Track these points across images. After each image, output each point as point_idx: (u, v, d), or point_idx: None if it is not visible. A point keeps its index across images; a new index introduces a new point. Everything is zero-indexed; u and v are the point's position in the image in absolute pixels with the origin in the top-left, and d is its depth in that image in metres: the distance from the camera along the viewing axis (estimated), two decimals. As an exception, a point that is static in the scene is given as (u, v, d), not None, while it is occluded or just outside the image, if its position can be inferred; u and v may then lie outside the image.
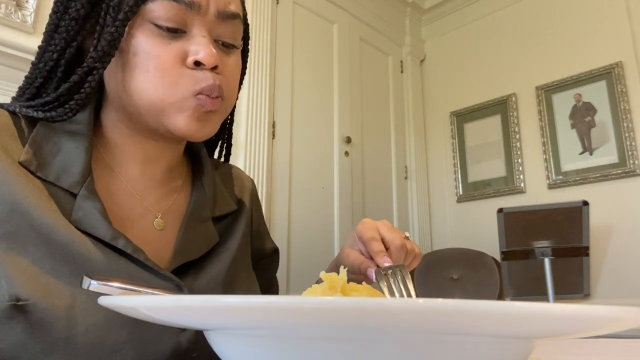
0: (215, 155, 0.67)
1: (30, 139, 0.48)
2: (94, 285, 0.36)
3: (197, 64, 0.48)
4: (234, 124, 0.66)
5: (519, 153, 2.84)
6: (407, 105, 3.26)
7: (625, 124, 2.47)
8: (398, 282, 0.49)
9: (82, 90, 0.48)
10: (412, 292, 0.48)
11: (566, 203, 1.99)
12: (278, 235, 2.23)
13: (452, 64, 3.27)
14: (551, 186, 2.69)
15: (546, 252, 1.98)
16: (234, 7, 0.52)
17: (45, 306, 0.41)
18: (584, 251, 1.98)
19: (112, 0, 0.47)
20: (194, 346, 0.47)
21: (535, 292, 2.08)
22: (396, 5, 3.30)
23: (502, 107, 2.95)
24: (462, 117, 3.14)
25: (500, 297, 2.39)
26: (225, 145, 0.66)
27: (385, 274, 0.50)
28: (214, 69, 0.49)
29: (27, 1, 1.61)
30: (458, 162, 3.11)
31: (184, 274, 0.50)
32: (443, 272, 2.62)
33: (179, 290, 0.48)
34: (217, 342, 0.30)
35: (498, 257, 2.18)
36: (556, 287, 1.98)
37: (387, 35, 3.20)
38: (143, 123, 0.51)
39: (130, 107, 0.50)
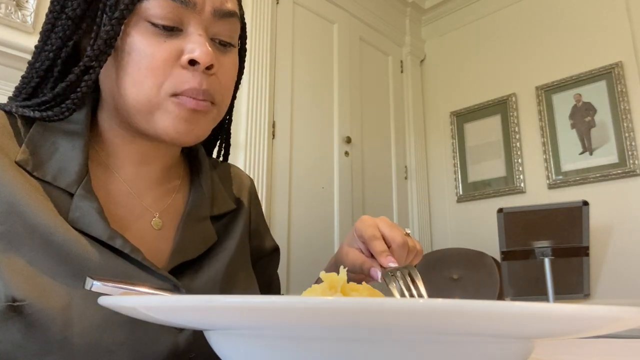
0: (214, 155, 0.67)
1: (26, 138, 0.48)
2: (97, 285, 0.36)
3: (192, 62, 0.48)
4: (234, 124, 0.66)
5: (519, 153, 2.84)
6: (407, 105, 3.26)
7: (625, 124, 2.47)
8: (408, 283, 0.48)
9: (79, 89, 0.48)
10: (424, 293, 0.47)
11: (566, 203, 1.99)
12: (278, 235, 2.23)
13: (452, 64, 3.27)
14: (551, 186, 2.69)
15: (546, 252, 1.98)
16: (230, 5, 0.52)
17: (41, 307, 0.41)
18: (584, 251, 1.98)
19: None
20: (191, 346, 0.46)
21: (535, 292, 2.08)
22: (396, 5, 3.30)
23: (502, 107, 2.95)
24: (462, 117, 3.14)
25: (500, 297, 2.39)
26: (224, 144, 0.66)
27: (394, 275, 0.49)
28: (209, 68, 0.49)
29: (27, 1, 1.61)
30: (458, 162, 3.11)
31: (182, 274, 0.50)
32: (443, 272, 2.62)
33: (176, 289, 0.47)
34: (217, 342, 0.30)
35: (498, 257, 2.18)
36: (556, 287, 1.98)
37: (387, 35, 3.20)
38: (135, 124, 0.50)
39: (122, 109, 0.49)
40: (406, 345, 0.25)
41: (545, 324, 0.23)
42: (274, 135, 2.33)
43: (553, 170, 2.69)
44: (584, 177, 2.57)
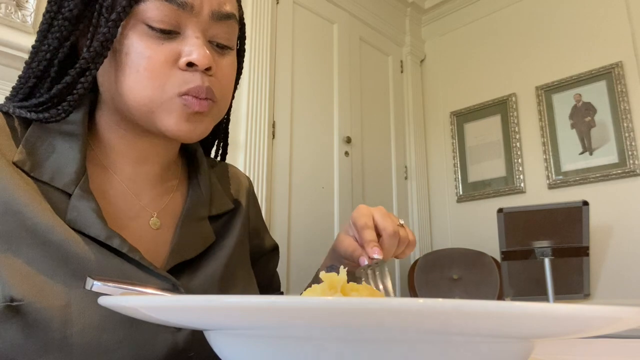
0: (212, 155, 0.67)
1: (24, 139, 0.48)
2: (97, 285, 0.36)
3: (190, 65, 0.48)
4: (234, 124, 0.66)
5: (519, 153, 2.84)
6: (407, 105, 3.26)
7: (625, 124, 2.47)
8: (377, 282, 0.49)
9: (75, 91, 0.48)
10: (391, 292, 0.47)
11: (566, 203, 1.99)
12: (278, 235, 2.23)
13: (452, 64, 3.27)
14: (551, 186, 2.69)
15: (546, 252, 1.98)
16: (229, 7, 0.52)
17: (40, 306, 0.41)
18: (584, 251, 1.98)
19: (105, 0, 0.47)
20: (190, 345, 0.47)
21: (535, 292, 2.08)
22: (396, 5, 3.30)
23: (502, 107, 2.95)
24: (462, 117, 3.14)
25: (500, 297, 2.39)
26: (221, 144, 0.66)
27: (365, 272, 0.50)
28: (207, 70, 0.49)
29: (27, 1, 1.61)
30: (458, 162, 3.11)
31: (180, 273, 0.50)
32: (443, 272, 2.62)
33: (175, 289, 0.48)
34: (216, 342, 0.30)
35: (498, 257, 2.18)
36: (556, 287, 1.98)
37: (387, 35, 3.20)
38: (135, 123, 0.50)
39: (122, 107, 0.50)
40: (406, 345, 0.25)
41: (545, 324, 0.23)
42: (274, 135, 2.33)
43: (553, 170, 2.69)
44: (584, 177, 2.57)
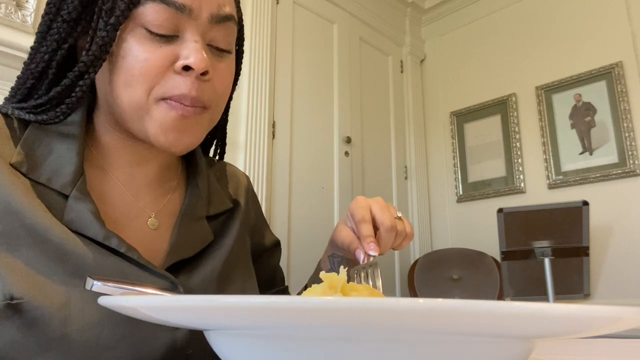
0: (210, 154, 0.68)
1: (22, 140, 0.48)
2: (97, 285, 0.37)
3: (187, 68, 0.48)
4: (234, 124, 0.66)
5: (519, 153, 2.84)
6: (407, 105, 3.26)
7: (625, 124, 2.47)
8: (369, 282, 0.49)
9: (74, 94, 0.48)
10: (380, 292, 0.48)
11: (566, 203, 1.99)
12: (278, 235, 2.23)
13: (452, 64, 3.27)
14: (551, 186, 2.69)
15: (546, 252, 1.98)
16: (228, 9, 0.51)
17: (39, 304, 0.41)
18: (584, 251, 1.98)
19: (105, 4, 0.47)
20: (188, 343, 0.47)
21: (535, 292, 2.08)
22: (396, 5, 3.30)
23: (502, 107, 2.95)
24: (462, 117, 3.14)
25: (500, 297, 2.39)
26: (219, 143, 0.66)
27: (358, 273, 0.50)
28: (204, 74, 0.48)
29: (27, 1, 1.61)
30: (458, 162, 3.11)
31: (178, 272, 0.50)
32: (443, 272, 2.62)
33: (174, 287, 0.48)
34: (216, 342, 0.30)
35: (498, 257, 2.18)
36: (556, 287, 1.98)
37: (387, 35, 3.20)
38: (128, 128, 0.50)
39: (116, 111, 0.49)
40: (406, 345, 0.25)
41: (545, 324, 0.23)
42: (274, 135, 2.33)
43: (553, 170, 2.69)
44: (584, 177, 2.57)
